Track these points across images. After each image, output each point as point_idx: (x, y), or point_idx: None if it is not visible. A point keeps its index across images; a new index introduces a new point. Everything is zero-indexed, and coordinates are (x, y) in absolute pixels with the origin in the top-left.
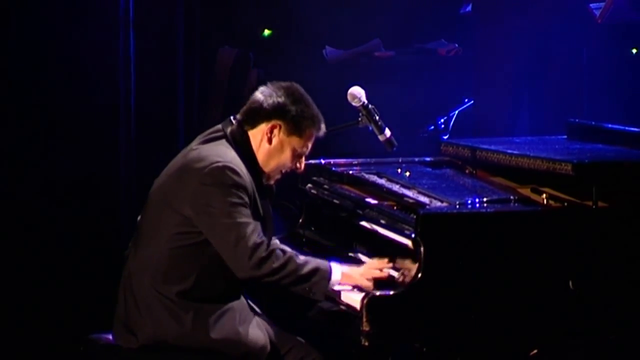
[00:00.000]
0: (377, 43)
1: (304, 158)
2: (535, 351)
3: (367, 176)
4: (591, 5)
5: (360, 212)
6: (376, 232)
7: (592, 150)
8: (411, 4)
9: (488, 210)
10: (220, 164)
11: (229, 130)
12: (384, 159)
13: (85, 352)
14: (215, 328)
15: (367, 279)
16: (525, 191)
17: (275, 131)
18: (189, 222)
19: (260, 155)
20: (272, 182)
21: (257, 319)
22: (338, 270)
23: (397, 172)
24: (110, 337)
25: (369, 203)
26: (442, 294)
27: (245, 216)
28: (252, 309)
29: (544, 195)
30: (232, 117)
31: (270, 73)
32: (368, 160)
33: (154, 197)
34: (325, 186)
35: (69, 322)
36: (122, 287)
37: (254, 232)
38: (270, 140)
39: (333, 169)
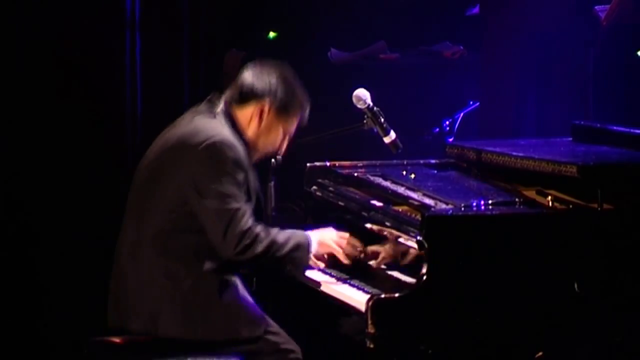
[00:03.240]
0: (382, 45)
1: (286, 142)
2: (540, 353)
3: (372, 178)
4: (596, 7)
5: (366, 214)
6: (381, 234)
7: (597, 152)
8: (416, 6)
9: (493, 212)
10: (217, 139)
11: (218, 108)
12: (389, 161)
13: (88, 355)
14: (216, 296)
15: (340, 247)
16: (531, 193)
17: (265, 112)
18: (183, 193)
19: (249, 134)
20: (254, 158)
21: None
22: (315, 240)
23: (402, 174)
24: (114, 339)
25: (374, 205)
26: (447, 295)
27: (236, 200)
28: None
29: (549, 198)
30: (216, 95)
31: None
32: (373, 162)
33: (146, 173)
34: (331, 188)
35: (71, 324)
36: (116, 276)
37: (242, 218)
38: (260, 120)
39: (338, 171)
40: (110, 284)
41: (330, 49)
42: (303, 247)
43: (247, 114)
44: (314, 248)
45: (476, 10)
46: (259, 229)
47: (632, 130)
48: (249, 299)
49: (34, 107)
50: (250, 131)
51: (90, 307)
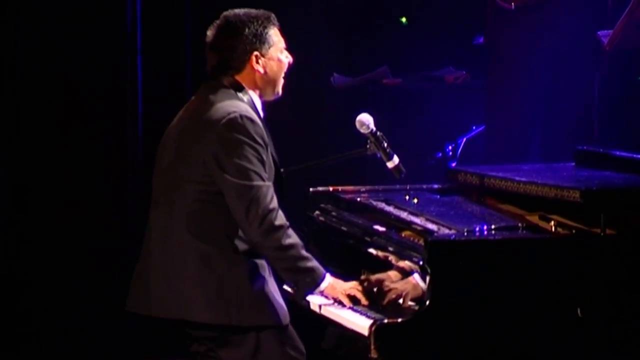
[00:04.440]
0: (384, 70)
1: (287, 57)
2: None
3: (375, 203)
4: (600, 32)
5: (368, 239)
6: (384, 259)
7: (600, 177)
8: (419, 31)
9: (496, 237)
10: (237, 114)
11: (226, 82)
12: (392, 186)
13: None
14: (248, 281)
15: (349, 296)
16: (533, 218)
17: (259, 58)
18: (209, 172)
19: (263, 84)
20: (280, 91)
21: None
22: (327, 281)
23: (405, 199)
24: None
25: (377, 230)
26: (450, 320)
27: (260, 177)
28: None
29: (552, 223)
30: (212, 78)
31: (280, 99)
32: (376, 187)
33: (169, 156)
34: (333, 213)
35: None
36: (144, 260)
37: (266, 195)
38: (264, 69)
39: (341, 196)
40: (136, 268)
41: (334, 74)
42: (316, 277)
43: (250, 74)
44: (325, 287)
45: (481, 39)
46: (286, 221)
47: (635, 156)
48: (276, 286)
49: (38, 129)
50: (262, 82)
51: (100, 325)
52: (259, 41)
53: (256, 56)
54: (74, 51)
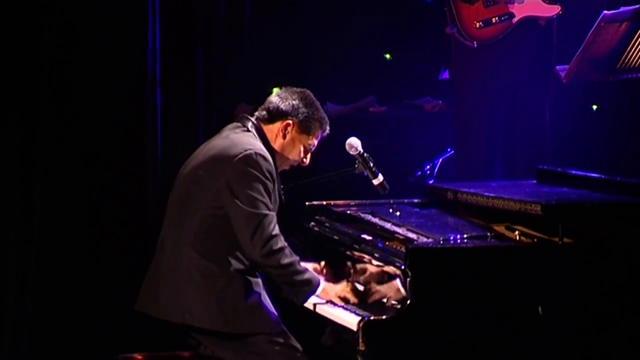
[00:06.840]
0: (371, 100)
1: (310, 154)
2: None
3: (362, 215)
4: (557, 67)
5: (357, 246)
6: (370, 264)
7: (558, 193)
8: (402, 65)
9: (468, 245)
10: (252, 151)
11: (249, 124)
12: (378, 200)
13: None
14: (244, 294)
15: (340, 297)
16: (500, 229)
17: (289, 128)
18: (220, 197)
19: (276, 147)
20: (286, 168)
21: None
22: (321, 286)
23: (389, 212)
24: (139, 357)
25: (364, 239)
26: (428, 317)
27: (266, 207)
28: None
29: (517, 233)
30: (246, 116)
31: None
32: (364, 201)
33: (187, 181)
34: (326, 224)
35: (97, 341)
36: (153, 270)
37: (270, 223)
38: (284, 136)
39: (333, 209)
40: (148, 274)
41: (326, 103)
42: (312, 286)
43: (274, 130)
44: (319, 291)
45: (445, 74)
46: (286, 243)
47: (589, 174)
48: (268, 299)
49: (63, 155)
50: (277, 145)
51: (116, 323)
52: (302, 121)
53: (288, 123)
54: (98, 83)
